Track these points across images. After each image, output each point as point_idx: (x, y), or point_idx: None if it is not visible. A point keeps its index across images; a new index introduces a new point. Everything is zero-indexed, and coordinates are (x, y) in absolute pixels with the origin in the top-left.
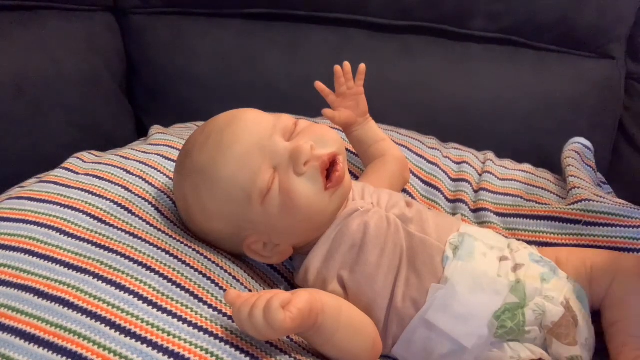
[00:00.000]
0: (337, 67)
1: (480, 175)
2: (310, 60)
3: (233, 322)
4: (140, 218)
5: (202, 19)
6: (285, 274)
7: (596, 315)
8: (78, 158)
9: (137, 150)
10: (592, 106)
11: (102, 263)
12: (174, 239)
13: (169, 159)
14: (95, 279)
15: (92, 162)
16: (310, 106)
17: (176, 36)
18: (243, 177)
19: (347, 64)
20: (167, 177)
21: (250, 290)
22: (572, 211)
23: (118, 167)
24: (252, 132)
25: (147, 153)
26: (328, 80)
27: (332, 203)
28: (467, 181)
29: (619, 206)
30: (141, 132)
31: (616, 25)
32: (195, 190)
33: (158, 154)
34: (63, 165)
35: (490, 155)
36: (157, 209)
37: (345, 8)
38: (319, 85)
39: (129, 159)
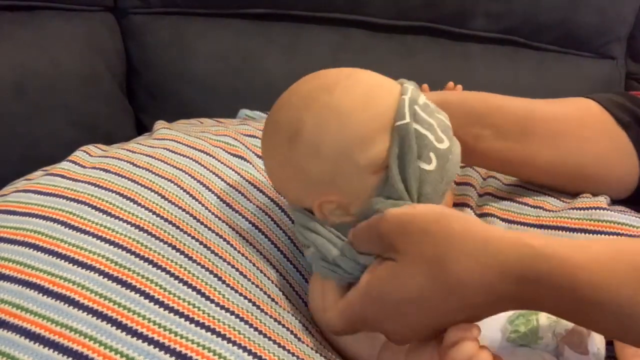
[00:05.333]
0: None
1: (484, 179)
2: (310, 60)
3: (240, 320)
4: (147, 208)
5: (202, 19)
6: (298, 267)
7: None
8: (84, 151)
9: (143, 145)
10: None
11: (108, 259)
12: (181, 229)
13: (176, 153)
14: (101, 276)
15: (99, 156)
16: None
17: (176, 36)
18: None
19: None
20: (175, 168)
21: (257, 286)
22: (579, 220)
23: (124, 161)
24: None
25: (153, 147)
26: None
27: None
28: (471, 185)
29: (628, 215)
30: (141, 132)
31: (616, 25)
32: (319, 120)
33: (164, 148)
34: (69, 158)
35: None
36: (164, 197)
37: (345, 8)
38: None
39: (135, 152)
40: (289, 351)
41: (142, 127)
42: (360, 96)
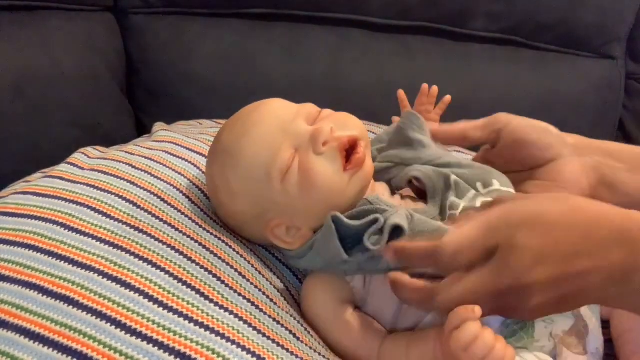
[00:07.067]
0: (425, 86)
1: None
2: (310, 60)
3: (239, 320)
4: (146, 210)
5: (202, 19)
6: (295, 271)
7: (606, 323)
8: (83, 153)
9: (141, 147)
10: (592, 106)
11: (107, 260)
12: (180, 231)
13: (175, 156)
14: (101, 277)
15: (97, 158)
16: None
17: (176, 36)
18: (264, 156)
19: (434, 88)
20: (174, 171)
21: (256, 287)
22: None
23: (123, 163)
24: (276, 116)
25: (152, 149)
26: (326, 80)
27: (350, 185)
28: None
29: None
30: (141, 132)
31: (616, 25)
32: (221, 170)
33: (163, 151)
34: (68, 160)
35: None
36: (163, 200)
37: (345, 8)
38: (401, 94)
39: (134, 154)
40: (288, 350)
41: (142, 127)
42: (240, 129)
